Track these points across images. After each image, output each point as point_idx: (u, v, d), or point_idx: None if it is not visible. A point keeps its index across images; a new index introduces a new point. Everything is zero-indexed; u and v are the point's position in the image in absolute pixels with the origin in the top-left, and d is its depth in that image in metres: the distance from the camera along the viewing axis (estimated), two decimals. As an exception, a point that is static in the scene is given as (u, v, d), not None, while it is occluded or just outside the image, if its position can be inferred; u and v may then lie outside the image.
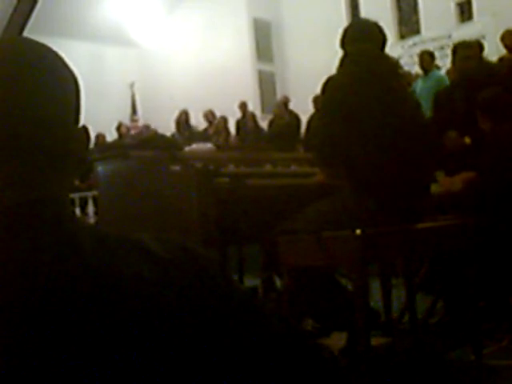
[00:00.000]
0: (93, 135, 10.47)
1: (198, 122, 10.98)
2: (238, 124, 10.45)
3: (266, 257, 3.41)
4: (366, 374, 2.11)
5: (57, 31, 11.45)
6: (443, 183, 3.45)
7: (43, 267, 0.62)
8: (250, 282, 3.69)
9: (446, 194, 3.33)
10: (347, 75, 2.53)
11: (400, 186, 2.44)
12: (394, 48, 9.00)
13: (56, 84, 0.71)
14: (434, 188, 2.99)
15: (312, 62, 10.56)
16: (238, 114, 10.56)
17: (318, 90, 5.80)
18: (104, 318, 0.62)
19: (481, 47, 7.00)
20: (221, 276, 0.72)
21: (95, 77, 12.31)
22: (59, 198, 0.70)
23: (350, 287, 2.42)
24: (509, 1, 8.72)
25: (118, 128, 11.07)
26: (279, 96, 11.46)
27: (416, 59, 7.96)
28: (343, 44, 2.65)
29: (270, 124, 9.80)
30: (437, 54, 7.66)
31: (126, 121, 12.16)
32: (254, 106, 11.20)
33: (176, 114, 10.95)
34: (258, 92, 12.39)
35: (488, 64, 6.57)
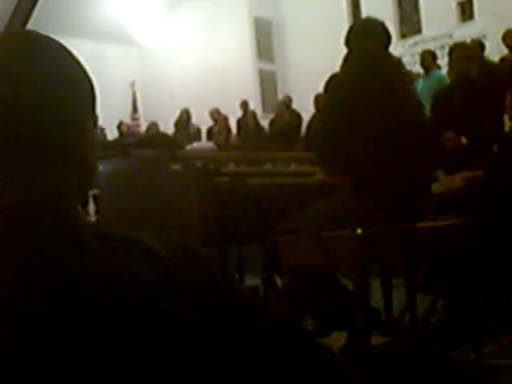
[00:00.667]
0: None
1: (199, 121, 10.98)
2: (239, 123, 10.45)
3: (267, 256, 3.41)
4: (366, 374, 2.11)
5: (58, 30, 11.44)
6: (444, 182, 3.45)
7: (43, 267, 0.62)
8: (251, 281, 3.69)
9: (447, 193, 3.33)
10: (349, 74, 2.53)
11: (400, 185, 2.44)
12: (395, 47, 8.94)
13: (58, 82, 0.71)
14: (434, 187, 2.99)
15: (313, 61, 10.56)
16: (239, 113, 10.55)
17: (318, 89, 5.81)
18: (104, 318, 0.62)
19: (482, 47, 7.00)
20: (221, 275, 0.72)
21: (96, 75, 12.14)
22: (60, 198, 0.69)
23: (350, 287, 2.42)
24: (510, 0, 8.71)
25: (119, 126, 11.08)
26: (280, 95, 11.46)
27: (417, 58, 7.96)
28: (348, 42, 2.64)
29: (271, 123, 9.80)
30: (438, 53, 7.65)
31: (127, 119, 12.17)
32: (254, 105, 11.19)
33: (177, 112, 10.95)
34: (258, 91, 12.38)
35: (488, 64, 6.58)
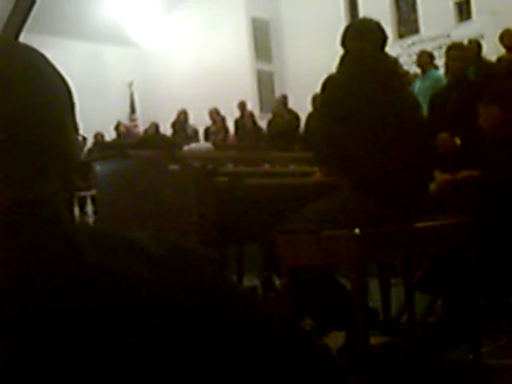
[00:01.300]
0: (91, 134, 10.48)
1: (197, 121, 10.98)
2: (237, 123, 10.45)
3: (266, 256, 3.41)
4: (364, 374, 2.11)
5: (55, 30, 11.45)
6: (440, 182, 3.46)
7: (41, 267, 0.62)
8: (250, 281, 3.70)
9: (444, 192, 3.34)
10: (347, 74, 2.53)
11: (399, 185, 2.44)
12: (392, 47, 8.99)
13: (49, 87, 0.73)
14: (432, 187, 2.99)
15: (311, 61, 10.56)
16: (237, 114, 10.56)
17: (316, 89, 5.81)
18: (102, 318, 0.62)
19: (479, 47, 7.01)
20: (219, 276, 0.72)
21: (94, 76, 12.31)
22: (55, 198, 0.70)
23: (348, 287, 2.43)
24: (508, 0, 8.72)
25: (117, 127, 11.07)
26: (278, 95, 11.46)
27: (415, 58, 7.96)
28: (344, 42, 2.65)
29: (269, 123, 9.80)
30: (435, 53, 7.65)
31: (125, 120, 12.17)
32: (252, 106, 11.20)
33: (175, 113, 10.95)
34: (256, 91, 12.38)
35: (485, 64, 6.59)
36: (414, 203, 2.50)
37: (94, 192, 6.33)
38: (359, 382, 2.09)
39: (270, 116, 10.06)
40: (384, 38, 2.66)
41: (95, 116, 10.28)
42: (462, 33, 9.21)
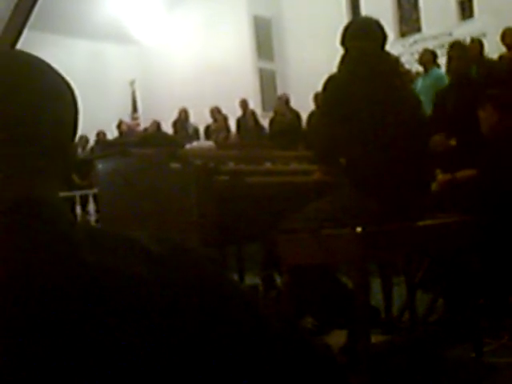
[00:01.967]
0: (93, 133, 10.49)
1: (198, 119, 10.97)
2: (239, 122, 10.45)
3: (267, 255, 3.41)
4: (365, 372, 2.11)
5: (57, 29, 11.45)
6: (440, 181, 3.46)
7: (41, 266, 0.62)
8: (251, 280, 3.70)
9: (443, 191, 3.34)
10: (348, 74, 2.53)
11: (400, 184, 2.44)
12: (394, 46, 8.99)
13: (50, 88, 0.73)
14: (434, 186, 2.99)
15: (312, 60, 10.55)
16: (239, 112, 10.55)
17: (318, 88, 5.79)
18: (102, 318, 0.62)
19: (481, 46, 6.99)
20: (219, 276, 0.72)
21: (95, 74, 12.32)
22: (55, 198, 0.71)
23: (350, 285, 2.43)
24: (510, -1, 8.70)
25: (119, 126, 11.07)
26: (280, 94, 11.44)
27: (417, 57, 7.95)
28: (344, 42, 2.64)
29: (271, 122, 9.79)
30: (437, 51, 7.63)
31: (127, 118, 12.17)
32: (254, 104, 11.18)
33: (176, 111, 10.95)
34: (258, 90, 12.37)
35: (487, 63, 6.58)
36: (415, 202, 2.49)
37: (96, 190, 6.34)
38: (360, 381, 2.09)
39: (271, 115, 10.05)
40: (384, 37, 2.65)
41: (97, 114, 10.28)
42: (464, 31, 9.19)
